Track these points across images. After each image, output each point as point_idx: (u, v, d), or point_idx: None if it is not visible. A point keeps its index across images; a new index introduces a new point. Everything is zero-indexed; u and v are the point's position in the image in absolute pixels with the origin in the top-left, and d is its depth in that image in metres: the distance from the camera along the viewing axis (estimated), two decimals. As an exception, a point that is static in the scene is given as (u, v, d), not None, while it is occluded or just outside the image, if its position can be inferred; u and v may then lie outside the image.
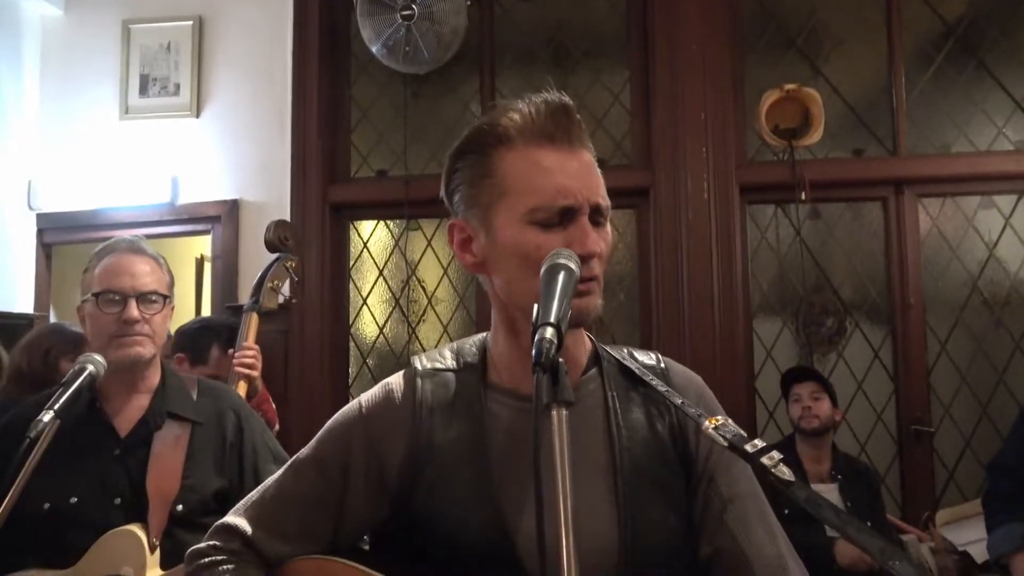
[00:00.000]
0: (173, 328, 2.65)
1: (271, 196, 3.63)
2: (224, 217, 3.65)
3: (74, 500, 1.56)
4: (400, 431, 1.05)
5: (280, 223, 2.87)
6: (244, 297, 3.07)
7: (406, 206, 3.59)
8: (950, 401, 3.39)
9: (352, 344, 3.73)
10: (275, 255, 2.76)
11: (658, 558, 0.99)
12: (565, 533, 0.73)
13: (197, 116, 3.74)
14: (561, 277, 0.87)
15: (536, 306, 0.84)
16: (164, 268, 1.73)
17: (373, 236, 3.78)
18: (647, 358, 1.12)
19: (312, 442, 1.11)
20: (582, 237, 0.95)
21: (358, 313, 3.75)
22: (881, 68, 3.54)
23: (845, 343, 3.46)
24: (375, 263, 3.77)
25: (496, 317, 1.07)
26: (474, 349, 1.11)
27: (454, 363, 1.09)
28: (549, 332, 0.79)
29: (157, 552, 1.52)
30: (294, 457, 1.12)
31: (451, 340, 3.59)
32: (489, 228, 1.01)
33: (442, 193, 1.07)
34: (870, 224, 3.51)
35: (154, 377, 1.71)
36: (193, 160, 3.71)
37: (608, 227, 1.01)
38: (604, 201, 1.00)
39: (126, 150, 3.76)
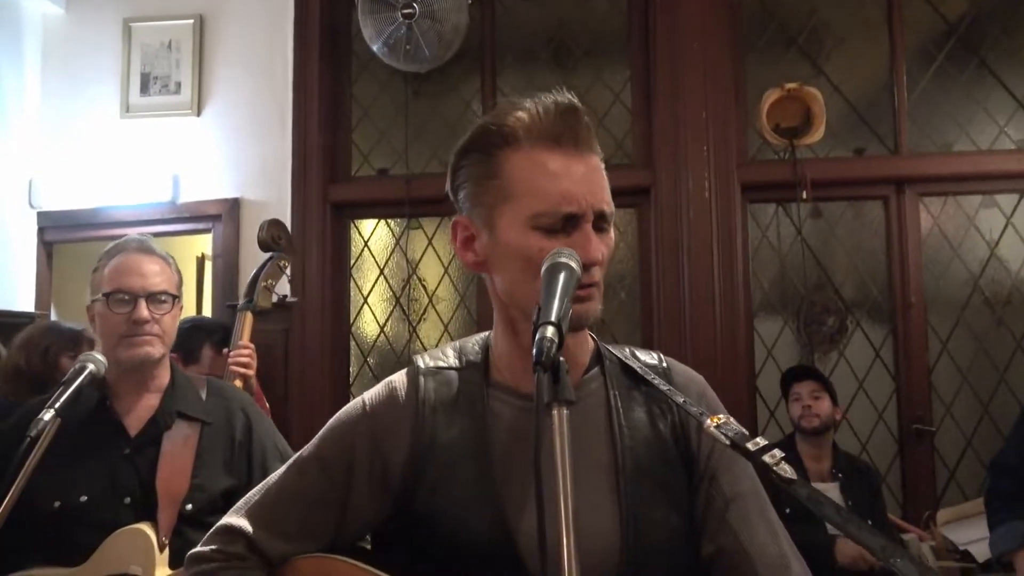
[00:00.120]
0: None
1: (272, 195, 3.63)
2: (225, 216, 3.65)
3: (84, 499, 1.57)
4: (403, 429, 1.05)
5: (273, 222, 2.88)
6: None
7: (407, 205, 3.59)
8: (951, 400, 3.39)
9: (353, 343, 3.73)
10: (268, 254, 2.77)
11: (660, 557, 0.99)
12: (566, 532, 0.72)
13: (198, 115, 3.74)
14: (562, 276, 0.87)
15: (537, 305, 0.84)
16: (173, 268, 1.74)
17: (374, 235, 3.78)
18: (649, 357, 1.12)
19: (314, 440, 1.11)
20: (585, 244, 0.95)
21: (359, 312, 3.75)
22: (882, 67, 3.53)
23: (846, 342, 3.46)
24: (376, 262, 3.77)
25: (497, 316, 1.07)
26: (476, 348, 1.11)
27: (456, 362, 1.09)
28: (550, 331, 0.79)
29: (166, 551, 1.52)
30: (296, 455, 1.12)
31: (452, 339, 3.61)
32: (492, 229, 1.00)
33: (447, 188, 1.07)
34: (871, 223, 3.51)
35: (164, 377, 1.72)
36: (194, 159, 3.71)
37: (611, 232, 1.01)
38: (608, 207, 0.99)
39: (127, 148, 3.76)
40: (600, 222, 0.98)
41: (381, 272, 3.76)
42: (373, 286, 3.76)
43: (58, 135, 3.84)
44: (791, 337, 3.49)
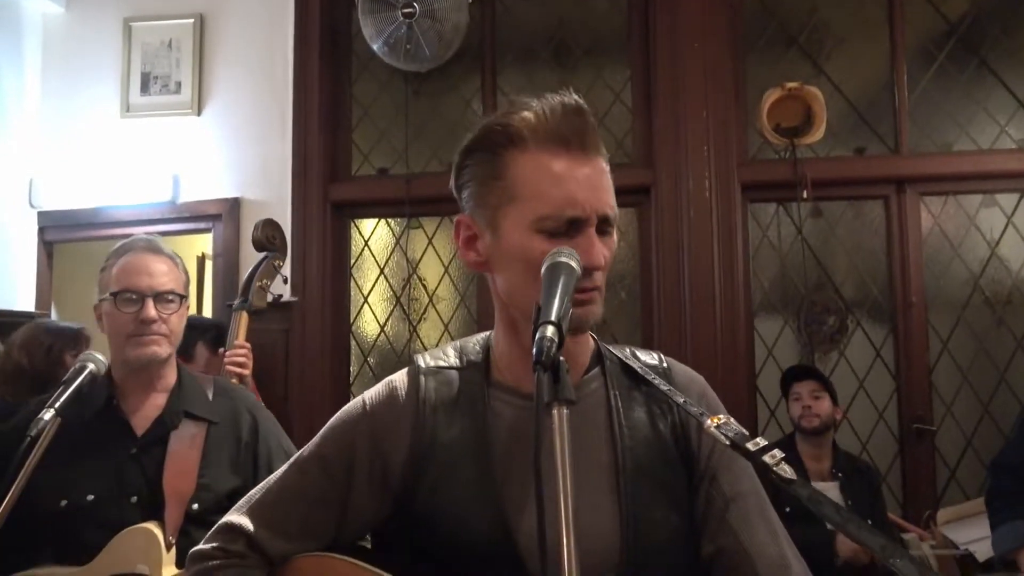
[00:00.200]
0: None
1: (272, 194, 3.63)
2: (225, 215, 3.65)
3: (91, 498, 1.57)
4: (403, 429, 1.05)
5: (267, 222, 2.88)
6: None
7: (407, 204, 3.59)
8: (952, 400, 3.39)
9: (353, 342, 3.74)
10: (263, 254, 2.78)
11: (660, 557, 0.99)
12: (566, 532, 0.72)
13: (198, 114, 3.73)
14: (562, 276, 0.88)
15: (537, 304, 0.84)
16: (180, 267, 1.75)
17: (374, 234, 3.78)
18: (650, 358, 1.12)
19: (315, 439, 1.11)
20: (588, 249, 0.95)
21: (359, 311, 3.75)
22: (883, 66, 3.53)
23: (846, 342, 3.46)
24: (376, 261, 3.77)
25: (498, 316, 1.08)
26: (477, 348, 1.11)
27: (457, 361, 1.09)
28: (550, 330, 0.79)
29: (173, 551, 1.53)
30: (296, 454, 1.12)
31: (452, 338, 3.61)
32: (495, 230, 1.00)
33: (451, 185, 1.07)
34: (872, 223, 3.50)
35: (171, 376, 1.73)
36: (194, 158, 3.71)
37: (614, 234, 1.01)
38: (612, 211, 0.99)
39: (127, 148, 3.76)
40: (603, 225, 0.98)
41: (381, 271, 3.76)
42: (373, 286, 3.76)
43: (58, 135, 3.84)
44: (791, 337, 3.49)
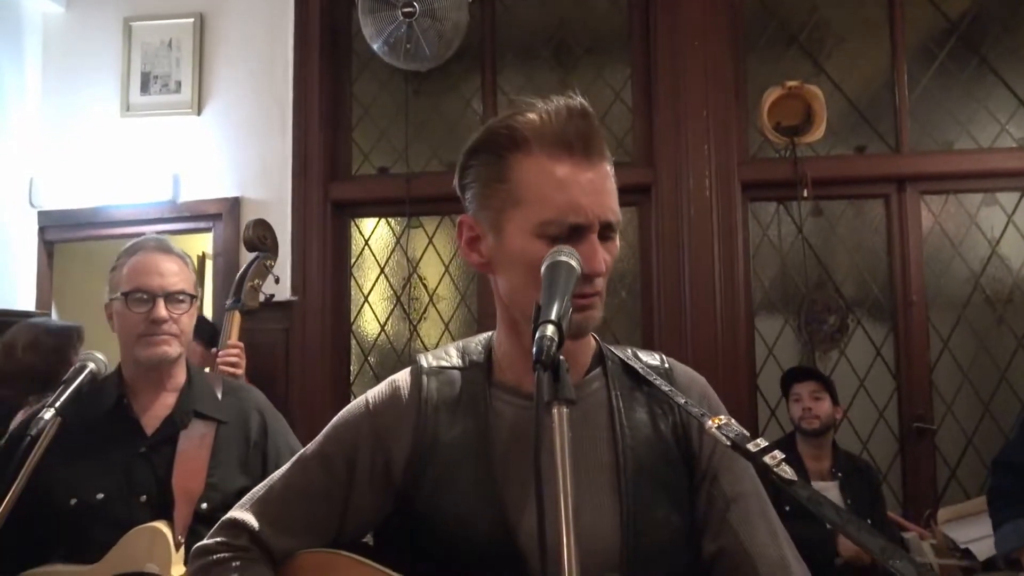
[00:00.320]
0: None
1: (272, 194, 3.63)
2: (225, 215, 3.64)
3: (100, 496, 1.57)
4: (405, 428, 1.05)
5: (258, 222, 2.89)
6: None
7: (407, 203, 3.59)
8: (952, 399, 3.39)
9: (353, 342, 3.74)
10: (254, 254, 2.78)
11: (661, 557, 0.99)
12: (566, 531, 0.73)
13: (198, 114, 3.73)
14: (562, 275, 0.88)
15: (536, 304, 0.84)
16: (190, 267, 1.75)
17: (374, 233, 3.78)
18: (651, 358, 1.13)
19: (318, 437, 1.12)
20: (590, 255, 0.95)
21: (359, 311, 3.75)
22: (883, 65, 3.53)
23: (847, 341, 3.46)
24: (376, 261, 3.77)
25: (500, 316, 1.08)
26: (480, 348, 1.11)
27: (460, 361, 1.10)
28: (550, 330, 0.79)
29: (182, 550, 1.53)
30: (300, 452, 1.13)
31: (452, 338, 3.62)
32: (498, 232, 1.00)
33: (455, 185, 1.07)
34: (872, 221, 3.50)
35: (180, 376, 1.73)
36: (194, 158, 3.71)
37: (616, 239, 1.01)
38: (615, 217, 0.99)
39: (127, 148, 3.76)
40: (606, 231, 0.98)
41: (382, 271, 3.76)
42: (374, 285, 3.76)
43: (58, 134, 3.84)
44: (792, 336, 3.49)
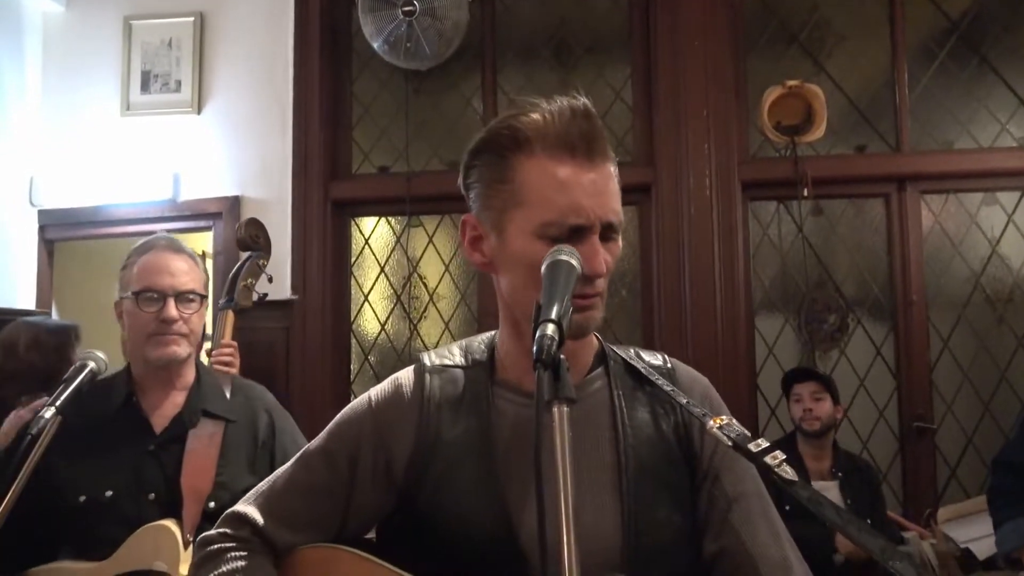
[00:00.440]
0: None
1: (272, 192, 3.63)
2: (226, 214, 3.64)
3: (109, 494, 1.58)
4: (408, 425, 1.06)
5: (251, 221, 2.89)
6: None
7: (408, 203, 3.59)
8: (952, 398, 3.39)
9: (354, 341, 3.74)
10: (247, 253, 2.78)
11: (662, 556, 0.99)
12: (566, 530, 0.73)
13: (198, 112, 3.73)
14: (563, 274, 0.88)
15: (537, 303, 0.84)
16: (201, 267, 1.76)
17: (375, 233, 3.78)
18: (654, 358, 1.13)
19: (322, 434, 1.12)
20: (591, 257, 0.95)
21: (359, 310, 3.75)
22: (884, 64, 3.53)
23: (847, 340, 3.46)
24: (376, 260, 3.77)
25: (502, 316, 1.08)
26: (483, 347, 1.12)
27: (462, 360, 1.10)
28: (550, 329, 0.80)
29: (190, 548, 1.53)
30: (304, 449, 1.14)
31: (453, 337, 3.62)
32: (501, 232, 1.01)
33: (459, 184, 1.07)
34: (872, 221, 3.50)
35: (189, 375, 1.74)
36: (194, 157, 3.71)
37: (618, 240, 1.01)
38: (617, 217, 0.99)
39: (128, 147, 3.76)
40: (608, 232, 0.98)
41: (382, 270, 3.76)
42: (374, 284, 3.76)
43: (59, 133, 3.84)
44: (792, 335, 3.49)
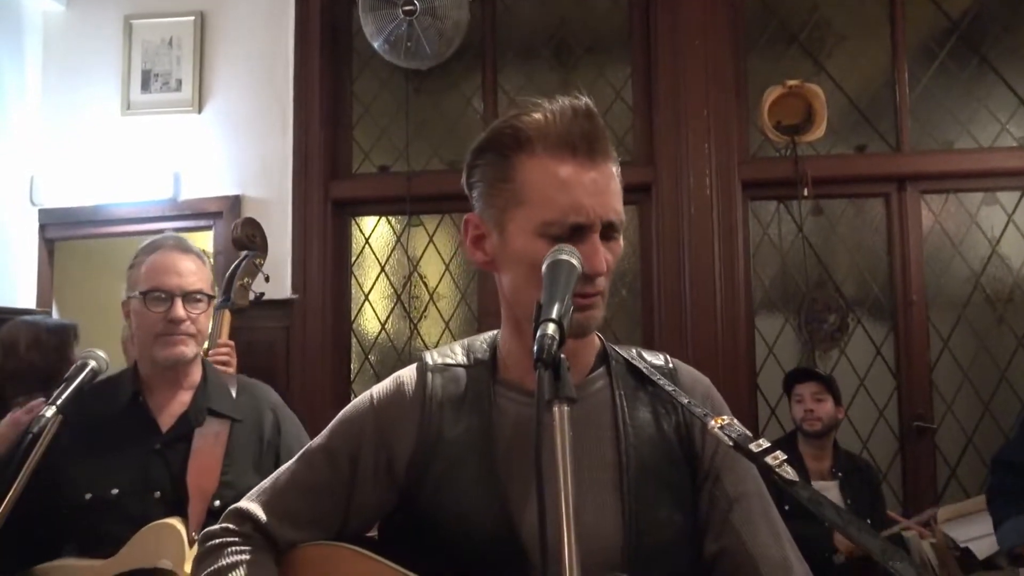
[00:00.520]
0: None
1: (273, 192, 3.63)
2: (226, 213, 3.64)
3: (115, 492, 1.59)
4: (410, 423, 1.06)
5: (247, 221, 2.89)
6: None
7: (408, 202, 3.59)
8: (952, 398, 3.39)
9: (354, 340, 3.74)
10: (243, 253, 2.78)
11: (663, 555, 1.00)
12: (567, 529, 0.73)
13: (199, 112, 3.73)
14: (563, 274, 0.88)
15: (538, 302, 0.84)
16: (208, 266, 1.77)
17: (375, 232, 3.78)
18: (655, 358, 1.13)
19: (324, 432, 1.13)
20: (591, 255, 0.95)
21: (360, 309, 3.75)
22: (884, 64, 3.53)
23: (847, 340, 3.46)
24: (377, 259, 3.77)
25: (504, 315, 1.09)
26: (485, 346, 1.12)
27: (465, 359, 1.11)
28: (551, 328, 0.80)
29: (195, 546, 1.54)
30: (306, 446, 1.14)
31: (453, 336, 3.62)
32: (502, 231, 1.01)
33: (463, 183, 1.08)
34: (872, 220, 3.50)
35: (196, 374, 1.75)
36: (195, 156, 3.71)
37: (620, 240, 1.01)
38: (617, 217, 0.99)
39: (128, 146, 3.76)
40: (609, 231, 0.99)
41: (382, 269, 3.76)
42: (374, 283, 3.76)
43: (59, 132, 3.84)
44: (792, 335, 3.49)
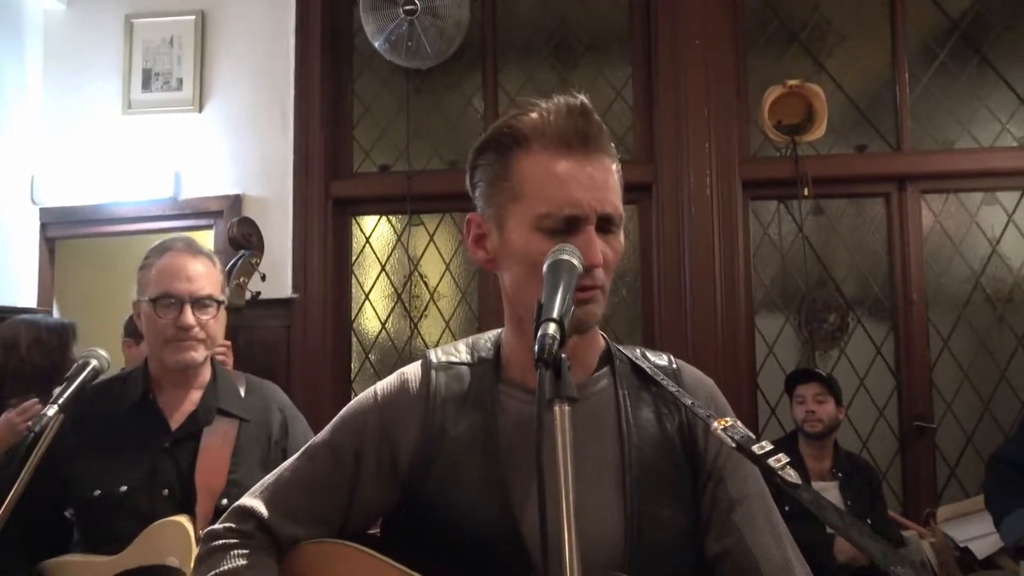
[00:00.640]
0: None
1: (273, 191, 3.63)
2: (227, 212, 3.64)
3: (123, 489, 1.60)
4: (413, 420, 1.07)
5: (243, 220, 2.90)
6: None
7: (408, 201, 3.59)
8: (952, 397, 3.39)
9: (354, 339, 3.74)
10: (239, 252, 2.79)
11: (664, 556, 1.00)
12: (567, 527, 0.73)
13: (200, 111, 3.73)
14: (564, 273, 0.89)
15: (539, 302, 0.84)
16: (218, 268, 1.78)
17: (375, 231, 3.79)
18: (659, 359, 1.13)
19: (327, 428, 1.13)
20: (586, 247, 0.96)
21: (360, 308, 3.76)
22: (884, 64, 3.53)
23: (847, 339, 3.46)
24: (377, 258, 3.77)
25: (506, 313, 1.09)
26: (489, 344, 1.12)
27: (469, 357, 1.11)
28: (551, 328, 0.80)
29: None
30: (309, 442, 1.14)
31: (453, 336, 3.62)
32: (502, 229, 1.02)
33: (467, 184, 1.09)
34: (873, 220, 3.51)
35: (206, 374, 1.76)
36: (196, 155, 3.71)
37: (619, 235, 1.02)
38: (614, 210, 1.00)
39: (129, 145, 3.76)
40: (606, 224, 0.99)
41: (383, 268, 3.76)
42: (375, 282, 3.76)
43: (60, 131, 3.84)
44: (792, 334, 3.50)
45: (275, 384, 1.91)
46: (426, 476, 1.04)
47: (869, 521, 2.80)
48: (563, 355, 0.78)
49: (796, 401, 3.01)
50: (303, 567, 1.08)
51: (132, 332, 2.75)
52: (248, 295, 2.77)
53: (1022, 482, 2.26)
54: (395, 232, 3.77)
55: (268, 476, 1.14)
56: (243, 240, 2.82)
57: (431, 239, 3.73)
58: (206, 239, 3.91)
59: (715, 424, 0.93)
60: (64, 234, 3.89)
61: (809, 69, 3.52)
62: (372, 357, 3.73)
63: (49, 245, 3.89)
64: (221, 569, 1.05)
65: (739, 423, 0.93)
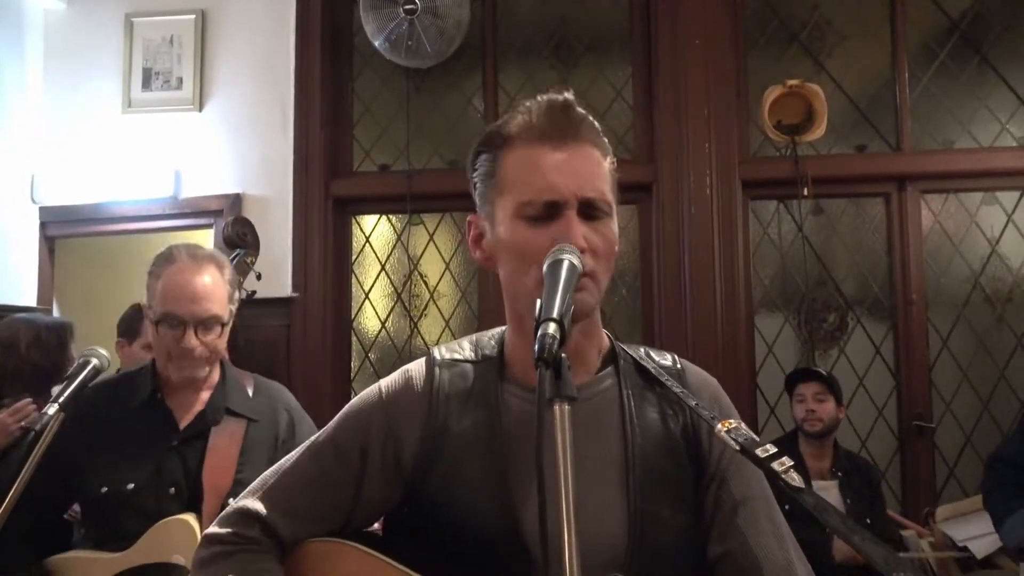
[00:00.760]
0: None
1: (273, 190, 3.63)
2: (227, 211, 3.64)
3: (130, 486, 1.60)
4: (417, 417, 1.06)
5: (238, 219, 2.90)
6: (247, 291, 3.08)
7: (408, 200, 3.59)
8: (951, 397, 3.40)
9: (354, 338, 3.74)
10: (235, 251, 2.79)
11: (666, 556, 1.00)
12: (567, 527, 0.73)
13: (200, 110, 3.73)
14: (563, 272, 0.89)
15: (538, 301, 0.84)
16: (226, 275, 1.73)
17: (375, 230, 3.79)
18: (664, 359, 1.13)
19: (330, 425, 1.13)
20: (566, 232, 0.96)
21: (360, 307, 3.76)
22: (884, 64, 3.53)
23: (847, 339, 3.46)
24: (377, 257, 3.77)
25: (507, 312, 1.09)
26: (493, 342, 1.12)
27: (472, 355, 1.11)
28: (551, 327, 0.80)
29: None
30: (311, 439, 1.14)
31: (453, 335, 3.62)
32: (493, 224, 1.04)
33: (470, 187, 1.11)
34: (872, 220, 3.51)
35: (214, 374, 1.76)
36: (196, 154, 3.71)
37: (609, 224, 1.01)
38: (597, 194, 1.00)
39: (129, 144, 3.76)
40: (589, 210, 0.99)
41: (382, 268, 3.76)
42: (374, 282, 3.76)
43: (60, 130, 3.84)
44: (792, 334, 3.50)
45: (283, 385, 1.91)
46: (429, 473, 1.04)
47: (868, 520, 2.80)
48: (563, 354, 0.78)
49: (796, 400, 3.01)
50: (305, 566, 1.08)
51: (125, 332, 2.76)
52: (244, 294, 2.77)
53: (1021, 482, 2.26)
54: (395, 231, 3.78)
55: (268, 473, 1.13)
56: (238, 239, 2.83)
57: (431, 238, 3.74)
58: (206, 238, 3.91)
59: (719, 426, 0.93)
60: (64, 233, 3.89)
61: (809, 69, 3.53)
62: (372, 356, 3.74)
63: (49, 244, 3.89)
64: None
65: (743, 425, 0.93)
